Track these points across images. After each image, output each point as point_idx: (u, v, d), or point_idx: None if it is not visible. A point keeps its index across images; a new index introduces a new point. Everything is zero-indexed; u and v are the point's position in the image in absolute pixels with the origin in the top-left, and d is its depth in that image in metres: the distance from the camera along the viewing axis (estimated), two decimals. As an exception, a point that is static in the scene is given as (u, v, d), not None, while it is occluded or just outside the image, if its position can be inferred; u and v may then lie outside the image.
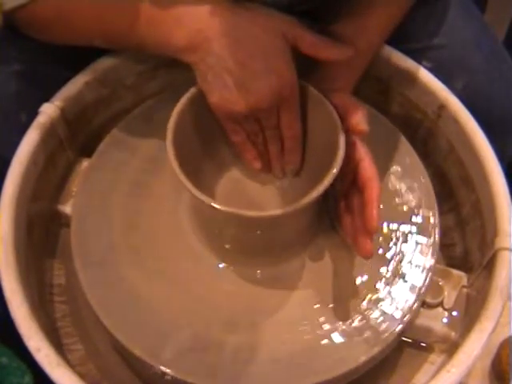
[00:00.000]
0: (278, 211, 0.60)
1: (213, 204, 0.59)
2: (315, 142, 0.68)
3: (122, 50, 0.75)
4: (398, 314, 0.64)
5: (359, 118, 0.62)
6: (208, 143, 0.69)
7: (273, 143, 0.67)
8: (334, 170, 0.61)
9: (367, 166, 0.63)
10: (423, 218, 0.70)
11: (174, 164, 0.61)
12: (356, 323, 0.64)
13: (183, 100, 0.64)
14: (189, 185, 0.60)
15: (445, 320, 0.68)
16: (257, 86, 0.60)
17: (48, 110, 0.72)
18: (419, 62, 0.77)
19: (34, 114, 0.72)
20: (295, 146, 0.67)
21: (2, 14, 0.68)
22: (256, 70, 0.60)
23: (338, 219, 0.67)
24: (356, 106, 0.63)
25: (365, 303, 0.65)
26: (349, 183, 0.65)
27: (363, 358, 0.62)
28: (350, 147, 0.63)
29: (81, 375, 0.59)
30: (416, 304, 0.65)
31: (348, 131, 0.63)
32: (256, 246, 0.67)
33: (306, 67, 0.65)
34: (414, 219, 0.70)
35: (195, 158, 0.67)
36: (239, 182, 0.72)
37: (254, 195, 0.71)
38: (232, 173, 0.72)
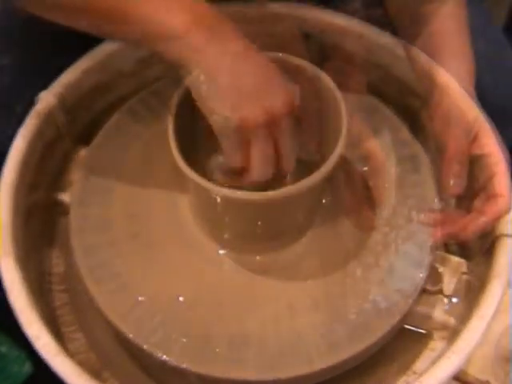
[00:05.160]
0: (271, 194, 0.59)
1: (205, 185, 0.59)
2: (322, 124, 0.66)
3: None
4: (397, 301, 0.64)
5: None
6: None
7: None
8: (337, 152, 0.60)
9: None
10: (424, 205, 0.69)
11: (172, 140, 0.60)
12: (355, 310, 0.63)
13: (183, 86, 0.62)
14: (181, 163, 0.59)
15: (444, 307, 0.68)
16: (274, 95, 0.57)
17: (46, 98, 0.71)
18: None
19: (29, 105, 0.71)
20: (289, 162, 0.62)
21: None
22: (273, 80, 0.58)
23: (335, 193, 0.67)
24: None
25: (365, 289, 0.65)
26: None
27: (362, 346, 0.62)
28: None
29: (81, 364, 0.59)
30: (416, 291, 0.65)
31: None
32: (256, 232, 0.66)
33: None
34: (414, 207, 0.69)
35: (197, 144, 0.66)
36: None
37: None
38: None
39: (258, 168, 0.58)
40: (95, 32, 0.62)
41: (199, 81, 0.56)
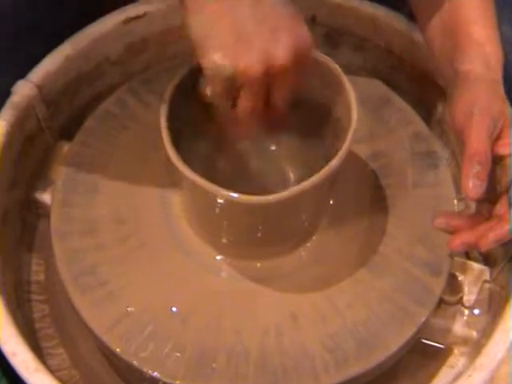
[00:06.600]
0: (272, 197, 0.56)
1: (203, 185, 0.55)
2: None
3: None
4: (412, 312, 0.61)
5: None
6: (205, 124, 0.65)
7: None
8: (345, 148, 0.57)
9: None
10: (442, 206, 0.67)
11: (165, 135, 0.57)
12: (366, 321, 0.61)
13: (177, 78, 0.59)
14: (176, 159, 0.56)
15: (465, 319, 0.66)
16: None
17: (23, 89, 0.70)
18: None
19: (6, 96, 0.70)
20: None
21: None
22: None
23: None
24: None
25: (376, 298, 0.62)
26: None
27: (373, 361, 0.59)
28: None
29: (62, 382, 0.58)
30: (433, 301, 0.62)
31: None
32: (257, 236, 0.64)
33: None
34: (431, 207, 0.66)
35: (192, 138, 0.64)
36: (237, 164, 0.69)
37: (256, 179, 0.69)
38: (232, 154, 0.69)
39: (244, 115, 0.57)
40: None
41: (200, 22, 0.53)
